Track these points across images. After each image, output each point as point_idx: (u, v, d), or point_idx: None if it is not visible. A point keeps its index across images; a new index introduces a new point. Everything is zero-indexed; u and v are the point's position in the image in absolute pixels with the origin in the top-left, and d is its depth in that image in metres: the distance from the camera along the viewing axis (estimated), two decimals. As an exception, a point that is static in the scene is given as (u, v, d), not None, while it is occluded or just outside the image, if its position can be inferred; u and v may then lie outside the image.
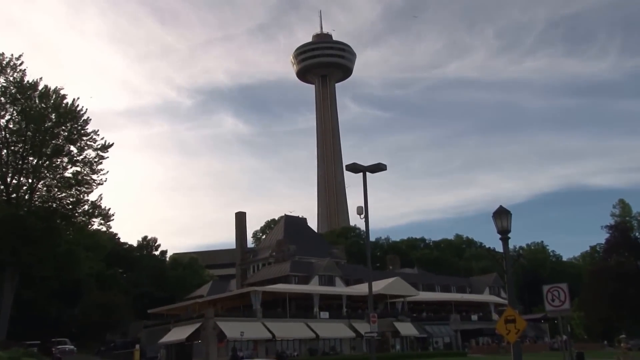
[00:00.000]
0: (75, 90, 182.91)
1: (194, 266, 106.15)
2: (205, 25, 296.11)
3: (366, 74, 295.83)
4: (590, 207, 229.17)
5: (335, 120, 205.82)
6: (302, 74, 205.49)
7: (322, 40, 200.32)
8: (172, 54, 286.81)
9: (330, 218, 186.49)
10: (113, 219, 54.67)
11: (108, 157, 53.96)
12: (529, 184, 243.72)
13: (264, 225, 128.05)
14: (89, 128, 53.53)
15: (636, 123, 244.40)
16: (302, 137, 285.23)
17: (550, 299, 17.09)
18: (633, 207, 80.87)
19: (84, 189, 53.17)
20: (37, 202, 53.14)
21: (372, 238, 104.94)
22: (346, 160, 66.41)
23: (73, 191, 53.34)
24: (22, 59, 51.91)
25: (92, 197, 53.81)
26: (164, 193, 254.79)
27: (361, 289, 64.71)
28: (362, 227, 40.15)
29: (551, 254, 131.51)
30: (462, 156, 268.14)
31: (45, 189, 53.09)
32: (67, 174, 53.32)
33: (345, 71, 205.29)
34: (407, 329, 67.80)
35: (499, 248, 18.83)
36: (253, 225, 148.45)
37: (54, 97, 52.79)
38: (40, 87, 52.46)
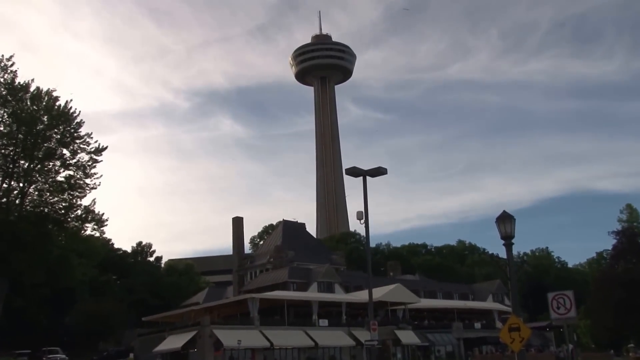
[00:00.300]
0: (69, 92, 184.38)
1: (189, 272, 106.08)
2: (202, 26, 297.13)
3: (367, 76, 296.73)
4: (597, 212, 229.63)
5: (335, 123, 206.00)
6: (301, 76, 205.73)
7: (322, 42, 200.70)
8: (168, 55, 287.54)
9: (329, 223, 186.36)
10: (107, 224, 54.38)
11: (102, 160, 53.70)
12: (533, 188, 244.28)
13: (262, 230, 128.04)
14: (83, 131, 53.25)
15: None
16: (301, 140, 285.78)
17: (556, 306, 17.02)
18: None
19: (77, 194, 52.92)
20: (28, 207, 52.91)
21: (372, 244, 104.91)
22: (346, 164, 66.60)
23: (65, 196, 53.09)
24: (13, 59, 51.65)
25: (85, 201, 53.53)
26: (159, 197, 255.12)
27: (361, 296, 64.59)
28: (362, 232, 40.07)
29: (556, 260, 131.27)
30: (465, 160, 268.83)
31: (36, 193, 52.86)
32: (60, 177, 53.04)
33: (345, 73, 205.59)
34: (408, 337, 67.64)
35: (503, 254, 18.76)
36: (250, 231, 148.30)
37: (46, 99, 52.60)
38: (32, 89, 52.22)
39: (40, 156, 52.18)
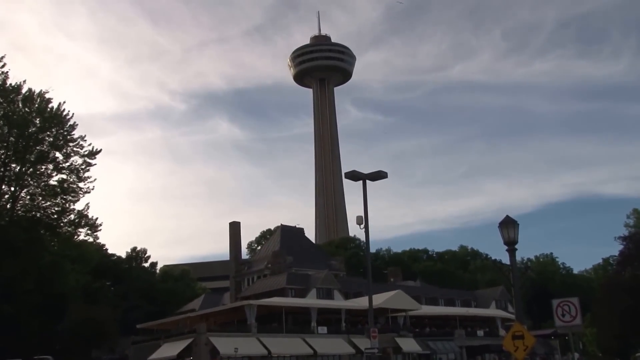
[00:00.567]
0: (62, 94, 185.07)
1: (185, 278, 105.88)
2: (199, 27, 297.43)
3: (367, 77, 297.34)
4: (603, 217, 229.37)
5: (334, 125, 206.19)
6: (300, 78, 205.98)
7: (320, 43, 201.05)
8: (164, 56, 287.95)
9: (328, 228, 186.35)
10: (100, 229, 54.52)
11: (96, 164, 53.87)
12: (537, 193, 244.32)
13: (259, 235, 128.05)
14: (76, 134, 53.43)
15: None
16: (299, 143, 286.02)
17: (561, 314, 16.95)
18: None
19: (70, 198, 52.98)
20: (19, 212, 52.90)
21: (372, 249, 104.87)
22: (345, 168, 66.59)
23: (58, 200, 53.13)
24: (4, 60, 51.80)
25: (78, 206, 53.64)
26: (154, 202, 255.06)
27: (361, 302, 64.45)
28: (362, 237, 40.03)
29: (561, 266, 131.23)
30: (467, 163, 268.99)
31: (28, 197, 52.89)
32: (52, 181, 53.15)
33: (344, 74, 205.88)
34: (409, 344, 67.52)
35: (506, 260, 18.74)
36: (248, 236, 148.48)
37: (38, 101, 52.68)
38: (24, 91, 52.36)
39: (32, 159, 52.18)
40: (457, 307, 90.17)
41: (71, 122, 53.29)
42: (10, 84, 52.10)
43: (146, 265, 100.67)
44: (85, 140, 53.50)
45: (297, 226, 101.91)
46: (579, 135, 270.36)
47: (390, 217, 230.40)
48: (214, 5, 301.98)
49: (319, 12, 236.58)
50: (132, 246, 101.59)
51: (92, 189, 53.50)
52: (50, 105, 53.02)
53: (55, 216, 53.34)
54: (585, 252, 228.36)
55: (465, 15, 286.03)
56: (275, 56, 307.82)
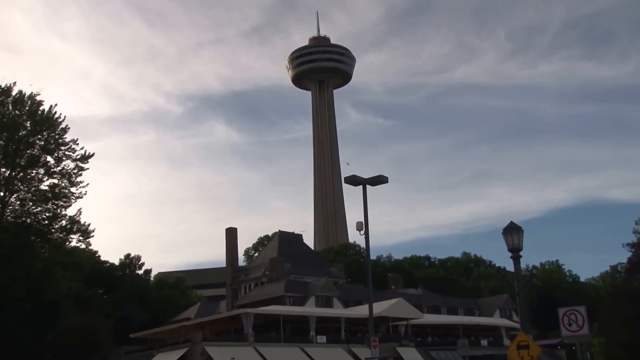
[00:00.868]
0: (54, 96, 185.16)
1: (180, 286, 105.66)
2: (195, 27, 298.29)
3: (367, 80, 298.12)
4: (611, 223, 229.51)
5: (334, 129, 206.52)
6: (298, 80, 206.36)
7: (319, 44, 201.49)
8: (159, 57, 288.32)
9: (327, 234, 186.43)
10: (93, 236, 54.39)
11: (88, 168, 53.75)
12: (543, 198, 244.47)
13: (257, 242, 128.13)
14: (68, 137, 53.32)
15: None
16: (298, 147, 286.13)
17: (567, 323, 16.90)
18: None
19: (62, 203, 52.87)
20: (9, 217, 52.77)
21: (372, 256, 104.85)
22: (345, 172, 66.45)
23: (49, 205, 53.02)
24: (-6, 62, 51.87)
25: (70, 211, 53.51)
26: (149, 207, 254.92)
27: (361, 311, 64.35)
28: (362, 243, 39.98)
29: (567, 274, 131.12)
30: (471, 167, 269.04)
31: (18, 202, 52.76)
32: (43, 186, 53.02)
33: (343, 77, 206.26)
34: (410, 354, 67.37)
35: (510, 267, 18.67)
36: (245, 242, 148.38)
37: (29, 103, 52.61)
38: (14, 93, 52.28)
39: (22, 163, 52.09)
40: (460, 315, 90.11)
41: (63, 125, 53.23)
42: (0, 86, 52.10)
43: (140, 272, 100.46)
44: (78, 144, 53.44)
45: (296, 232, 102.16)
46: (586, 138, 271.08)
47: (391, 223, 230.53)
48: (210, 5, 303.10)
49: (318, 12, 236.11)
50: (125, 253, 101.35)
51: (85, 194, 53.41)
52: (41, 108, 52.95)
53: (46, 222, 53.23)
54: (592, 259, 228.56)
55: (468, 16, 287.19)
56: (273, 58, 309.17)
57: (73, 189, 52.94)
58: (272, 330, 63.92)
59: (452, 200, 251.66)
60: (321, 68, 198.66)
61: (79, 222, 53.37)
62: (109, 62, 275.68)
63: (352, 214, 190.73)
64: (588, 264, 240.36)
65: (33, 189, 52.91)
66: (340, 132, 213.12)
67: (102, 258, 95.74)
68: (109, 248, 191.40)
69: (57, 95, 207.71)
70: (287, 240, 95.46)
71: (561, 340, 67.31)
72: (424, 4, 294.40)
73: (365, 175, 28.37)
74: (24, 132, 52.45)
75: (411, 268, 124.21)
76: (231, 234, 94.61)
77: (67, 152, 53.01)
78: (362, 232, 28.10)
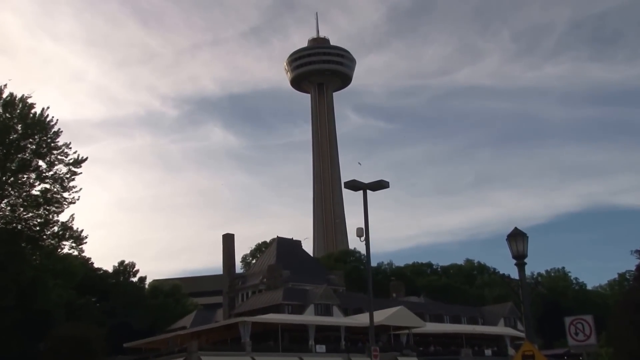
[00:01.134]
0: (46, 98, 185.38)
1: (176, 294, 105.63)
2: (192, 28, 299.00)
3: (368, 82, 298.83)
4: (618, 229, 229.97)
5: (333, 132, 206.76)
6: (297, 82, 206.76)
7: (319, 45, 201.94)
8: (155, 59, 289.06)
9: (327, 240, 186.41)
10: (86, 242, 54.31)
11: (81, 172, 53.68)
12: (548, 203, 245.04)
13: (254, 248, 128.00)
14: (61, 140, 53.27)
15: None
16: (296, 151, 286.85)
17: (574, 332, 16.80)
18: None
19: (54, 209, 52.80)
20: (-1, 223, 52.70)
21: (373, 263, 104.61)
22: (345, 177, 66.31)
23: (41, 211, 52.94)
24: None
25: (62, 217, 53.43)
26: (143, 213, 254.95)
27: (361, 319, 64.31)
28: (363, 250, 39.91)
29: (574, 281, 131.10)
30: (474, 172, 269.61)
31: (9, 208, 52.66)
32: (35, 191, 52.95)
33: (343, 79, 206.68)
34: (413, 364, 67.36)
35: (515, 274, 18.57)
36: (242, 249, 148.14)
37: (20, 106, 52.59)
38: (5, 95, 52.29)
39: (13, 168, 52.03)
40: (463, 324, 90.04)
41: (55, 129, 53.17)
42: (-9, 89, 52.07)
43: (134, 279, 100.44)
44: (71, 148, 53.40)
45: (295, 238, 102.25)
46: (593, 142, 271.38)
47: (392, 229, 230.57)
48: (207, 5, 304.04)
49: (317, 13, 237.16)
50: (119, 260, 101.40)
51: (78, 199, 53.34)
52: (33, 111, 52.92)
53: (38, 228, 53.13)
54: (599, 267, 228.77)
55: (472, 16, 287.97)
56: (271, 59, 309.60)
57: (65, 194, 52.87)
58: (270, 340, 63.86)
59: (454, 206, 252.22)
60: (320, 70, 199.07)
61: (71, 228, 53.30)
62: (103, 64, 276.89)
63: (353, 220, 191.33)
64: (595, 271, 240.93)
65: (24, 194, 52.83)
66: (340, 136, 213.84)
67: (96, 265, 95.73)
68: (102, 255, 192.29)
69: (50, 98, 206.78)
70: (286, 247, 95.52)
71: (568, 350, 67.12)
72: (426, 4, 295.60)
73: (366, 180, 28.40)
74: (14, 136, 52.40)
75: (413, 275, 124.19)
76: (228, 241, 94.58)
77: (59, 156, 52.96)
78: (363, 238, 28.05)
